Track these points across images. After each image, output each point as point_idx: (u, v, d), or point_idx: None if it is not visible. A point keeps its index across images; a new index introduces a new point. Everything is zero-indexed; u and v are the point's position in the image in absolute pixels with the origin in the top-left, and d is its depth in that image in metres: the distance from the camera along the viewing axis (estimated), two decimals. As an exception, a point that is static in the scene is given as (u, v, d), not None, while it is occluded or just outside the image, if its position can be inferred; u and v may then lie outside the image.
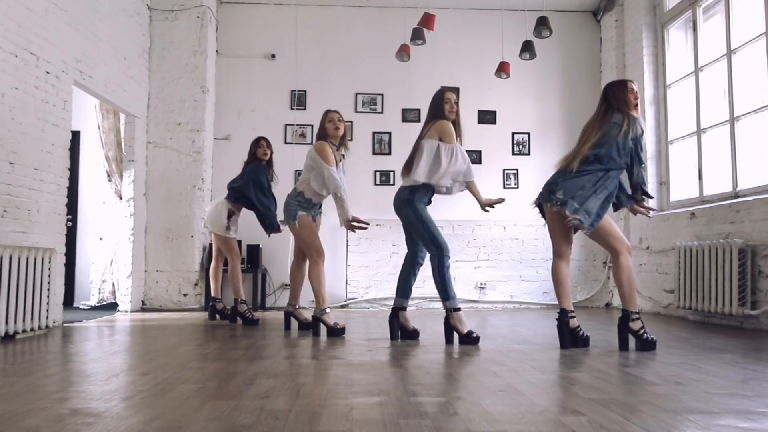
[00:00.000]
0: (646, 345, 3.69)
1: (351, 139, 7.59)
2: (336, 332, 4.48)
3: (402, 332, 4.31)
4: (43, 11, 4.96)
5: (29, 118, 4.77)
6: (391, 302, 7.23)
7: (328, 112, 4.77)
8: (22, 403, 2.31)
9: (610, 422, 2.02)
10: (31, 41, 4.79)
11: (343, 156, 4.78)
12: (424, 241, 4.25)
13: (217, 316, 5.77)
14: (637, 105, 3.86)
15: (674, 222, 6.20)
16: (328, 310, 4.57)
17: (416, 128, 7.59)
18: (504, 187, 7.56)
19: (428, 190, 4.27)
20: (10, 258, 4.29)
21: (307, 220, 4.70)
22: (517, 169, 7.65)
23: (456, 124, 4.28)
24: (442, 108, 4.26)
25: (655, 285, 6.58)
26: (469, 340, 4.07)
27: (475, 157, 7.51)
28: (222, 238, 5.60)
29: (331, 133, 4.66)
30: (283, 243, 7.37)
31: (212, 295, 5.87)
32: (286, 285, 7.36)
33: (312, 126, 7.50)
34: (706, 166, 6.00)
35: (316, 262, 4.62)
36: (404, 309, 4.34)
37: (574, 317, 3.86)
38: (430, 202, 4.34)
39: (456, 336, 4.14)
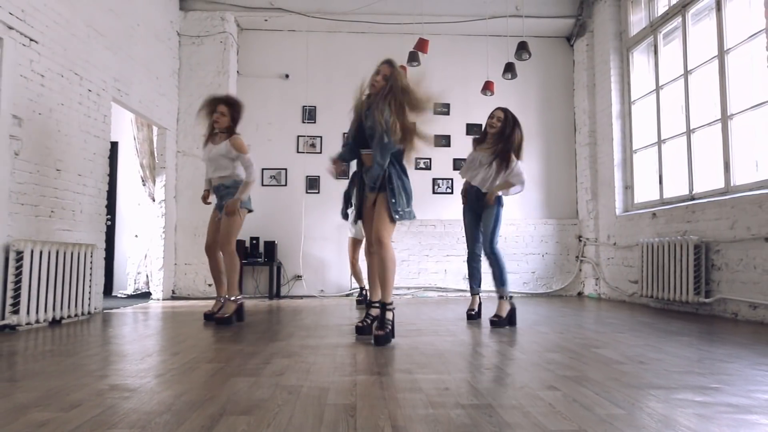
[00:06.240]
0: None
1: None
2: (223, 320, 4.22)
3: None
4: (86, 37, 4.95)
5: (73, 131, 4.77)
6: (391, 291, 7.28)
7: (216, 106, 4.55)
8: (67, 379, 2.31)
9: (582, 396, 2.01)
10: (75, 63, 4.79)
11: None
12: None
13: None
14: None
15: (638, 221, 6.20)
16: (233, 298, 4.35)
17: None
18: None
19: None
20: (57, 253, 4.30)
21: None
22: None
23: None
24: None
25: (621, 276, 6.57)
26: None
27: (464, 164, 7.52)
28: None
29: (216, 126, 4.49)
30: (297, 238, 7.37)
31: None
32: (298, 276, 7.35)
33: (321, 137, 7.51)
34: (666, 172, 6.00)
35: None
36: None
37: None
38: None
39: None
